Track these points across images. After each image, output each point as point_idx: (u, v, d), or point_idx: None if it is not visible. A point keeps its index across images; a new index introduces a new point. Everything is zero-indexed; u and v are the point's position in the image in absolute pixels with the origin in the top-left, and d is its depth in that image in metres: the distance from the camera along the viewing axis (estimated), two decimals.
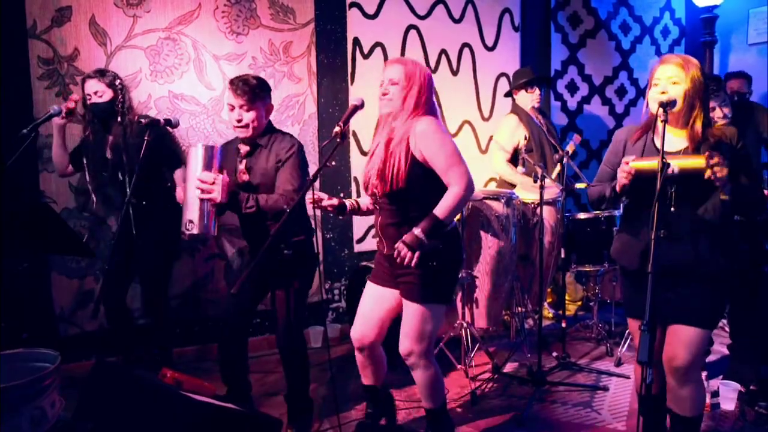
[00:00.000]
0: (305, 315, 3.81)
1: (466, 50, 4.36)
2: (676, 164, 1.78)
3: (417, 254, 1.97)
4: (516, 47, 4.60)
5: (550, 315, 4.21)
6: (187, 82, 3.38)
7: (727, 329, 3.41)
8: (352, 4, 3.85)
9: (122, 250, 2.76)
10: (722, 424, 2.65)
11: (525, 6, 4.61)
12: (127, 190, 2.75)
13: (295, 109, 3.71)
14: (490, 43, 4.46)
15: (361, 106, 2.16)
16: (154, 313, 3.03)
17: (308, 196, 2.15)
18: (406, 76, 2.10)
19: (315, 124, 3.78)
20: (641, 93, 5.34)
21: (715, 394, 2.79)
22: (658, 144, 1.92)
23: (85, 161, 2.92)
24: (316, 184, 3.56)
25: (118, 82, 2.86)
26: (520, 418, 2.71)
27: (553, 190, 3.67)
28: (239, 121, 2.36)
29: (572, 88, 5.00)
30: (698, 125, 1.91)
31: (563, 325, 3.49)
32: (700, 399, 2.03)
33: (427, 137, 2.05)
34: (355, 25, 3.87)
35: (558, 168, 3.24)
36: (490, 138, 4.51)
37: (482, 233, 3.55)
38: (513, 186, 3.91)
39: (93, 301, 3.20)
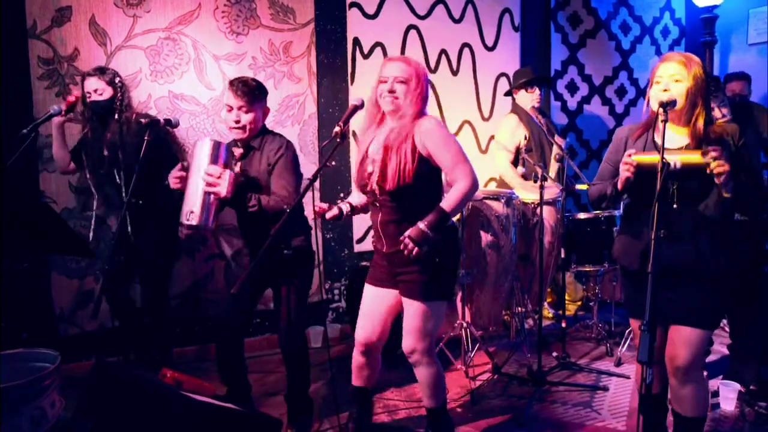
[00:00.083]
0: (306, 315, 3.82)
1: (466, 50, 4.36)
2: (678, 159, 1.78)
3: (423, 249, 1.98)
4: (516, 47, 4.60)
5: (550, 315, 4.21)
6: (187, 82, 3.39)
7: (727, 329, 3.41)
8: (352, 4, 3.85)
9: (122, 250, 2.76)
10: (722, 424, 2.65)
11: (525, 6, 4.61)
12: (122, 188, 2.76)
13: (295, 109, 3.71)
14: (490, 43, 4.47)
15: (361, 106, 2.17)
16: (154, 313, 3.03)
17: (311, 210, 2.15)
18: (411, 75, 2.12)
19: (315, 124, 3.78)
20: (641, 93, 5.34)
21: (715, 394, 2.79)
22: (659, 142, 1.93)
23: (84, 158, 2.92)
24: (316, 184, 3.57)
25: (118, 80, 2.87)
26: (520, 418, 2.71)
27: (553, 190, 3.67)
28: (237, 122, 2.36)
29: (572, 88, 5.00)
30: (700, 123, 1.91)
31: (563, 325, 3.49)
32: (702, 399, 2.03)
33: (434, 135, 2.09)
34: (355, 25, 3.87)
35: (557, 166, 3.25)
36: (491, 138, 4.52)
37: (482, 233, 3.55)
38: (512, 186, 3.91)
39: (93, 301, 3.20)
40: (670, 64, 1.92)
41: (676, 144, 1.96)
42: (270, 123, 3.56)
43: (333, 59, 3.81)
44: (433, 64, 4.21)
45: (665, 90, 1.91)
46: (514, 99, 4.04)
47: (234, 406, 1.90)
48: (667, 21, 5.45)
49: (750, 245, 2.89)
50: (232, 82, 2.39)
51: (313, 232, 2.64)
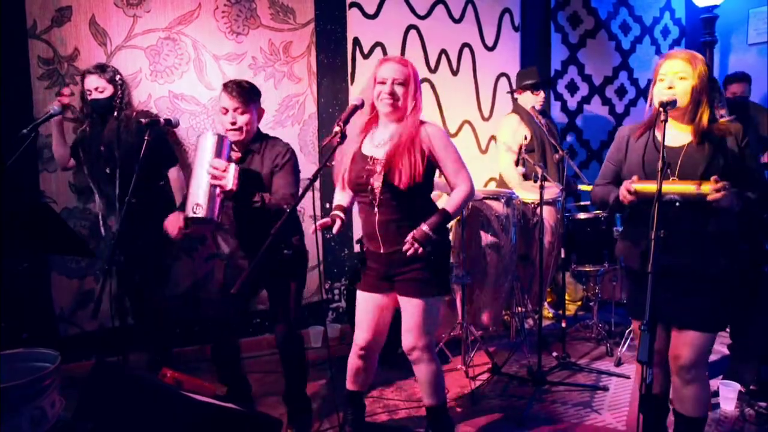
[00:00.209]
0: (304, 315, 3.82)
1: (466, 50, 4.36)
2: (677, 192, 1.82)
3: (426, 250, 2.07)
4: (516, 47, 4.60)
5: (550, 315, 4.21)
6: (187, 82, 3.38)
7: (727, 329, 3.41)
8: (352, 4, 3.85)
9: (122, 250, 2.76)
10: (722, 424, 2.65)
11: (525, 6, 4.61)
12: (117, 186, 2.76)
13: (295, 109, 3.71)
14: (490, 43, 4.47)
15: (361, 105, 2.17)
16: (153, 312, 3.03)
17: (318, 224, 2.14)
18: (409, 76, 2.15)
19: (315, 124, 3.78)
20: (641, 93, 5.34)
21: (715, 394, 2.79)
22: (659, 139, 1.93)
23: (81, 155, 2.93)
24: (316, 184, 3.56)
25: (118, 77, 2.88)
26: (520, 418, 2.71)
27: (553, 190, 3.67)
28: (233, 123, 2.37)
29: (572, 88, 5.00)
30: (704, 120, 1.90)
31: (563, 325, 3.49)
32: (704, 399, 2.03)
33: (439, 140, 2.17)
34: (355, 25, 3.87)
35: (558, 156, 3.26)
36: (491, 138, 4.52)
37: (482, 233, 3.55)
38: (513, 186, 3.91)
39: (93, 301, 3.20)
40: (674, 62, 1.91)
41: (678, 142, 1.95)
42: (270, 123, 3.59)
43: (333, 59, 3.81)
44: (433, 64, 4.21)
45: (670, 87, 1.89)
46: (515, 98, 4.04)
47: (234, 406, 1.90)
48: (667, 21, 5.45)
49: (750, 245, 2.89)
50: (226, 85, 2.40)
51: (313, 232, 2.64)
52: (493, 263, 3.56)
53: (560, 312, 3.66)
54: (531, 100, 3.91)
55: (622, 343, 3.49)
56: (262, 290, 2.64)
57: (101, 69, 2.84)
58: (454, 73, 4.32)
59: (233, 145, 2.44)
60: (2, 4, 2.89)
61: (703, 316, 1.93)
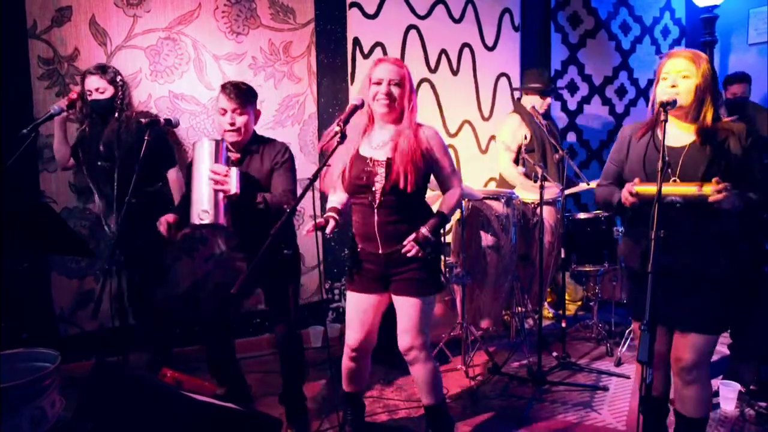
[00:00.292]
0: (304, 315, 3.82)
1: (466, 50, 4.35)
2: (679, 197, 1.82)
3: (426, 251, 2.14)
4: (516, 47, 4.60)
5: (550, 315, 4.21)
6: (187, 82, 3.38)
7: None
8: (352, 4, 3.85)
9: (122, 250, 2.76)
10: (722, 424, 2.65)
11: (525, 6, 4.61)
12: (115, 186, 2.77)
13: (295, 109, 3.71)
14: (490, 43, 4.46)
15: (361, 105, 2.17)
16: (153, 312, 3.03)
17: (309, 227, 2.13)
18: (404, 77, 2.17)
19: (315, 124, 3.78)
20: (641, 93, 5.34)
21: (715, 394, 2.79)
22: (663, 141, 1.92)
23: (81, 155, 2.93)
24: (316, 184, 3.56)
25: (119, 78, 2.88)
26: (520, 418, 2.71)
27: (553, 190, 3.67)
28: (232, 124, 2.38)
29: (572, 88, 5.00)
30: (708, 119, 1.88)
31: (563, 325, 3.49)
32: (705, 400, 2.03)
33: (439, 144, 2.23)
34: (355, 25, 3.87)
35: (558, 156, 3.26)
36: (491, 138, 4.52)
37: (482, 233, 3.56)
38: (513, 186, 3.91)
39: (93, 301, 3.20)
40: (677, 60, 1.89)
41: (681, 141, 1.93)
42: (270, 123, 3.59)
43: (333, 59, 3.81)
44: (433, 64, 4.21)
45: (673, 86, 1.88)
46: (517, 98, 4.03)
47: (234, 406, 1.90)
48: (667, 21, 5.45)
49: (750, 245, 2.89)
50: (224, 86, 2.42)
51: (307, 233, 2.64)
52: (493, 263, 3.56)
53: (560, 312, 3.66)
54: (537, 104, 3.89)
55: (622, 343, 3.49)
56: (257, 291, 2.63)
57: (102, 70, 2.84)
58: (454, 73, 4.32)
59: (231, 147, 2.45)
60: (2, 4, 2.89)
61: (703, 316, 1.92)
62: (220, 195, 2.20)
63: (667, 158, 1.79)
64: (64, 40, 3.07)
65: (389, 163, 2.13)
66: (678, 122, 1.95)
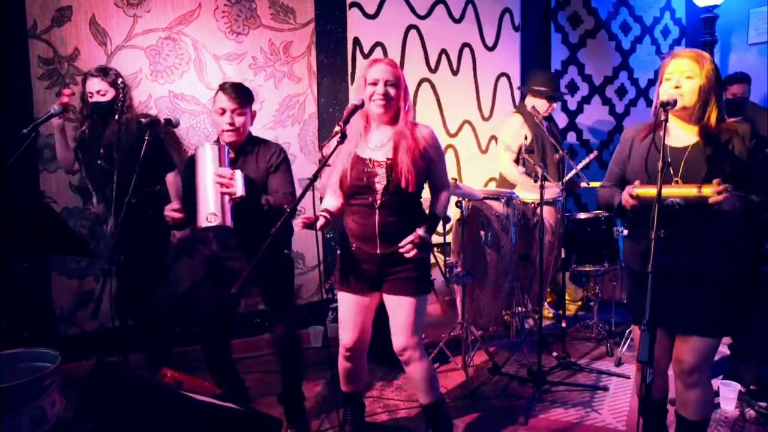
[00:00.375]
0: (304, 315, 3.82)
1: (467, 50, 4.35)
2: (678, 195, 1.81)
3: (422, 253, 2.18)
4: (516, 47, 4.60)
5: (550, 315, 4.21)
6: (188, 81, 3.38)
7: None
8: (353, 4, 3.85)
9: (122, 250, 2.76)
10: (722, 424, 2.65)
11: (525, 6, 4.61)
12: (113, 187, 2.78)
13: (295, 108, 3.71)
14: (490, 42, 4.46)
15: (362, 105, 2.16)
16: (152, 313, 3.03)
17: (299, 220, 2.13)
18: (399, 77, 2.19)
19: (315, 124, 3.78)
20: (641, 93, 5.34)
21: (716, 394, 2.79)
22: (666, 141, 1.91)
23: (81, 156, 2.92)
24: (316, 183, 3.56)
25: (120, 80, 2.88)
26: (520, 418, 2.71)
27: (553, 190, 3.67)
28: (231, 124, 2.39)
29: (572, 88, 4.99)
30: (713, 120, 1.86)
31: (563, 325, 3.49)
32: (705, 403, 2.02)
33: (435, 143, 2.25)
34: (356, 25, 3.87)
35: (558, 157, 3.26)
36: (491, 138, 4.52)
37: (482, 233, 3.56)
38: (513, 186, 3.91)
39: (93, 301, 3.20)
40: (681, 61, 1.87)
41: (684, 142, 1.92)
42: (270, 123, 3.60)
43: (333, 59, 3.81)
44: (433, 64, 4.21)
45: (677, 87, 1.86)
46: (522, 98, 4.02)
47: (234, 405, 1.90)
48: (667, 21, 5.45)
49: (750, 245, 2.89)
50: (222, 86, 2.44)
51: (313, 231, 2.64)
52: (493, 263, 3.56)
53: (560, 312, 3.66)
54: (540, 105, 3.88)
55: (622, 343, 3.49)
56: (254, 291, 2.63)
57: (104, 72, 2.84)
58: (455, 73, 4.32)
59: (228, 145, 2.46)
60: (2, 4, 2.89)
61: (703, 317, 1.91)
62: (226, 198, 2.21)
63: (668, 159, 1.79)
64: (64, 40, 3.07)
65: (389, 164, 2.14)
66: (681, 123, 1.94)
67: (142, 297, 3.01)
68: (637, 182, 1.88)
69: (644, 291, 1.61)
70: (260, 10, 3.54)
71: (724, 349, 3.32)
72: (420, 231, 2.14)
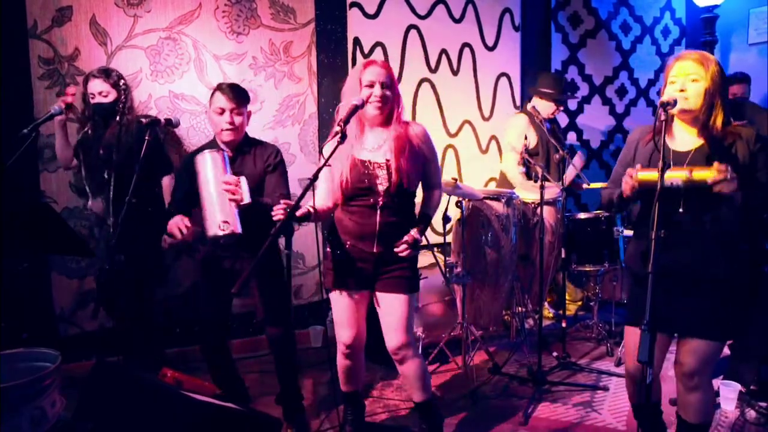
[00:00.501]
0: (304, 315, 3.82)
1: (467, 50, 4.35)
2: (680, 179, 1.76)
3: (415, 252, 2.24)
4: (516, 47, 4.60)
5: (551, 315, 4.21)
6: (188, 81, 3.38)
7: None
8: (353, 4, 3.85)
9: (121, 250, 2.76)
10: (722, 424, 2.65)
11: (525, 6, 4.61)
12: (111, 189, 2.78)
13: (296, 108, 3.71)
14: (490, 42, 4.46)
15: (362, 105, 2.16)
16: (148, 315, 3.02)
17: (278, 208, 2.09)
18: (392, 79, 2.20)
19: (315, 124, 3.78)
20: (641, 93, 5.34)
21: (716, 394, 2.79)
22: (670, 144, 1.91)
23: (81, 156, 2.92)
24: (316, 183, 3.55)
25: (122, 82, 2.89)
26: (520, 418, 2.71)
27: (553, 190, 3.67)
28: (231, 123, 2.41)
29: (572, 88, 4.99)
30: (718, 123, 1.84)
31: (563, 325, 3.49)
32: (706, 406, 2.02)
33: (428, 141, 2.28)
34: (356, 25, 3.87)
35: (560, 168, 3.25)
36: (491, 138, 4.52)
37: (482, 233, 3.56)
38: (513, 186, 3.91)
39: (93, 301, 3.20)
40: (685, 63, 1.85)
41: (689, 146, 1.90)
42: (270, 123, 3.60)
43: (333, 59, 3.81)
44: (433, 64, 4.21)
45: (681, 90, 1.83)
46: (527, 98, 4.01)
47: (234, 405, 1.90)
48: (667, 21, 5.45)
49: (750, 245, 2.89)
50: (220, 87, 2.47)
51: (313, 231, 2.65)
52: (493, 263, 3.56)
53: (560, 312, 3.66)
54: (546, 107, 3.87)
55: (623, 343, 3.48)
56: (251, 292, 2.61)
57: (106, 74, 2.84)
58: (455, 72, 4.31)
59: (225, 146, 2.49)
60: (2, 4, 2.89)
61: (703, 317, 1.90)
62: (233, 204, 2.21)
63: (670, 160, 1.78)
64: (64, 40, 3.07)
65: (389, 165, 2.15)
66: (686, 126, 1.92)
67: (142, 297, 3.01)
68: (638, 165, 1.87)
69: (644, 291, 1.60)
70: (260, 10, 3.54)
71: (724, 349, 3.32)
72: (414, 232, 2.19)
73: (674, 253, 1.87)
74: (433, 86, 4.21)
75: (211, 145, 2.54)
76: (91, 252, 2.75)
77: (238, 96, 2.44)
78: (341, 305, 2.32)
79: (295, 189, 3.30)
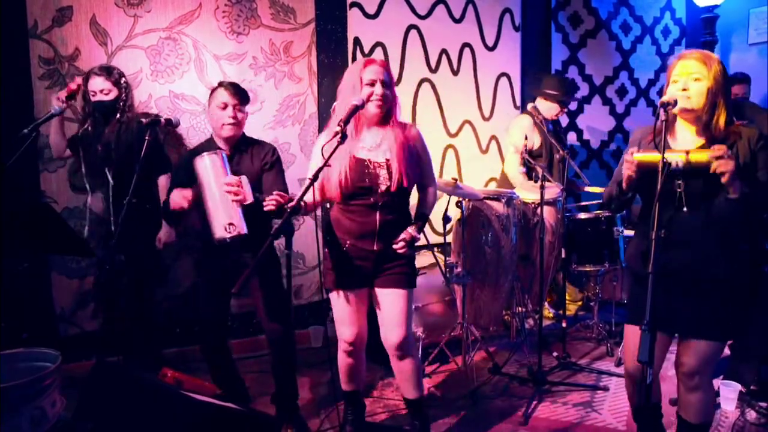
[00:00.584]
0: (304, 314, 3.82)
1: (467, 50, 4.35)
2: (679, 158, 1.74)
3: (412, 250, 2.29)
4: (516, 47, 4.60)
5: (551, 315, 4.21)
6: (188, 81, 3.38)
7: None
8: (353, 4, 3.85)
9: (121, 250, 2.76)
10: (723, 424, 2.65)
11: (525, 6, 4.61)
12: (110, 187, 2.80)
13: (296, 108, 3.71)
14: (490, 42, 4.46)
15: (362, 105, 2.16)
16: (146, 315, 3.02)
17: (271, 199, 2.13)
18: (392, 79, 2.22)
19: (315, 124, 3.78)
20: (642, 93, 5.34)
21: (716, 394, 2.78)
22: (672, 144, 1.90)
23: (81, 154, 2.92)
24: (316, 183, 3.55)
25: (123, 80, 2.89)
26: (520, 418, 2.71)
27: (553, 190, 3.67)
28: (234, 117, 2.44)
29: (575, 89, 4.99)
30: (721, 123, 1.83)
31: (563, 325, 3.49)
32: (707, 406, 2.02)
33: (421, 141, 2.32)
34: (356, 25, 3.87)
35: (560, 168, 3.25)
36: (491, 138, 4.52)
37: (482, 233, 3.56)
38: (514, 186, 3.91)
39: (93, 301, 3.20)
40: (688, 62, 1.83)
41: (690, 146, 1.89)
42: (270, 123, 3.60)
43: (333, 59, 3.81)
44: (433, 64, 4.21)
45: (684, 89, 1.82)
46: (531, 98, 4.01)
47: (234, 405, 1.90)
48: (667, 21, 5.45)
49: (750, 245, 2.89)
50: (222, 84, 2.51)
51: (313, 231, 2.65)
52: (493, 263, 3.56)
53: (560, 312, 3.66)
54: (550, 108, 3.86)
55: (623, 343, 3.48)
56: (251, 292, 2.61)
57: (107, 71, 2.84)
58: (455, 72, 4.31)
59: (224, 143, 2.51)
60: (3, 4, 2.89)
61: (703, 317, 1.90)
62: (236, 204, 2.22)
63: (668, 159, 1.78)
64: (64, 40, 3.07)
65: (389, 164, 2.16)
66: (688, 126, 1.91)
67: (141, 297, 3.01)
68: (635, 148, 1.88)
69: (645, 291, 1.60)
70: (260, 10, 3.54)
71: (724, 349, 3.32)
72: (411, 230, 2.23)
73: (674, 253, 1.87)
74: (433, 86, 4.21)
75: (209, 144, 2.54)
76: (91, 252, 2.75)
77: (240, 93, 2.49)
78: (342, 303, 2.32)
79: (294, 189, 3.31)
